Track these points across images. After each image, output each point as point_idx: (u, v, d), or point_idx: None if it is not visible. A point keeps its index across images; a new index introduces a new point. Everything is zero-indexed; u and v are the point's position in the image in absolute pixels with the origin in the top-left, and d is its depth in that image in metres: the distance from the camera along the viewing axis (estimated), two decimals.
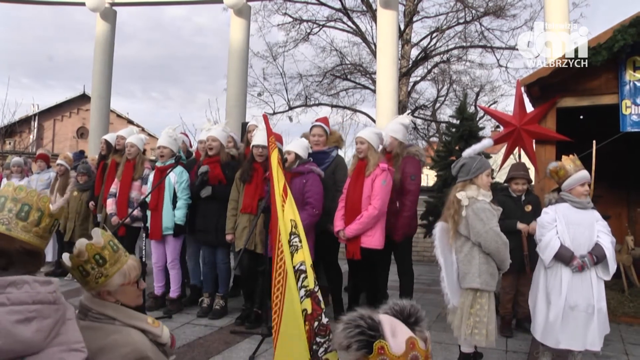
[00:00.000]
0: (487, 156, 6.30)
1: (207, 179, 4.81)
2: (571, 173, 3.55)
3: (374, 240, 4.11)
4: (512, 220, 4.25)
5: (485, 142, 3.68)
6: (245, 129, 7.94)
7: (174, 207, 4.92)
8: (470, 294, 3.34)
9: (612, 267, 3.42)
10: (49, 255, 7.25)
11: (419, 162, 4.65)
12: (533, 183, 4.87)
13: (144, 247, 4.66)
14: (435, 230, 3.56)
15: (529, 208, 4.37)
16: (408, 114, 4.96)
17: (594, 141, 4.26)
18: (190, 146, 6.35)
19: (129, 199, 5.34)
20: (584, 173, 3.54)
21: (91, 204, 6.13)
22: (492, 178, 3.73)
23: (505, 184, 4.73)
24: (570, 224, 3.46)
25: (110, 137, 6.23)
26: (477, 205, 3.31)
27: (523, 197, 4.46)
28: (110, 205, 5.46)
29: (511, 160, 6.28)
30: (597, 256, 3.38)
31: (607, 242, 3.42)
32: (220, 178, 4.81)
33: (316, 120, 4.99)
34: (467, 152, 3.54)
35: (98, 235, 1.90)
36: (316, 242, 4.40)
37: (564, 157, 3.69)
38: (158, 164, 5.06)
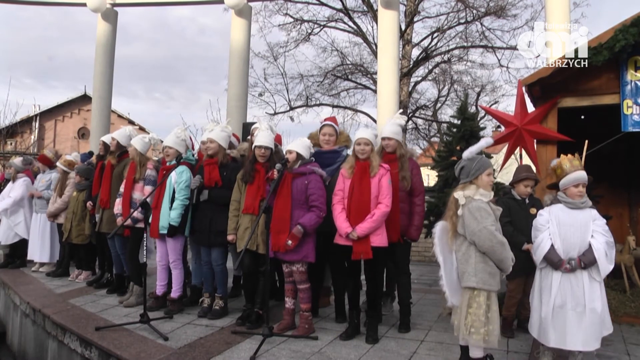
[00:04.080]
0: (488, 156, 6.29)
1: (202, 186, 4.83)
2: (567, 173, 3.55)
3: (383, 238, 4.12)
4: (521, 238, 4.23)
5: (483, 142, 3.65)
6: (246, 129, 7.97)
7: (172, 206, 4.92)
8: (468, 293, 3.35)
9: (604, 268, 3.37)
10: (46, 256, 7.28)
11: (417, 162, 4.73)
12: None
13: (145, 247, 4.67)
14: (435, 230, 3.58)
15: (533, 211, 4.32)
16: (401, 113, 4.95)
17: (586, 141, 4.25)
18: (193, 148, 6.34)
19: (131, 200, 5.35)
20: (578, 174, 3.53)
21: (89, 204, 6.14)
22: (494, 178, 3.71)
23: (508, 186, 4.68)
24: (562, 225, 3.47)
25: (108, 138, 6.25)
26: (473, 204, 3.34)
27: (527, 200, 4.44)
28: (117, 206, 5.48)
29: (512, 161, 6.27)
30: (585, 263, 3.38)
31: (600, 243, 3.38)
32: (216, 180, 4.81)
33: (325, 120, 4.99)
34: (466, 154, 3.54)
35: None
36: (320, 244, 4.40)
37: (562, 156, 3.68)
38: (167, 164, 5.09)
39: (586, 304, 3.35)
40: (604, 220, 3.52)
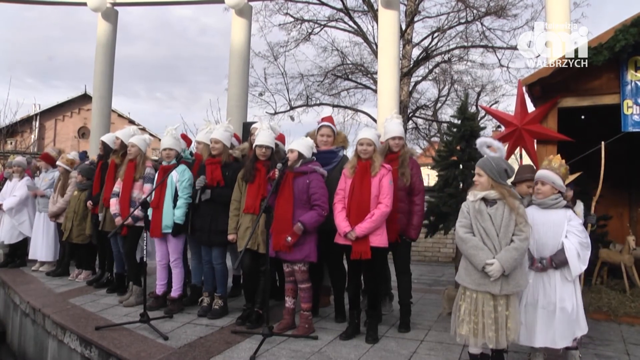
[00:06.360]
0: None
1: (205, 185, 4.82)
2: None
3: (383, 239, 4.11)
4: None
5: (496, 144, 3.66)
6: (246, 128, 7.96)
7: (175, 206, 4.93)
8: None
9: (575, 268, 3.38)
10: (51, 255, 7.29)
11: (417, 161, 4.73)
12: None
13: (145, 247, 4.67)
14: None
15: None
16: (395, 112, 4.97)
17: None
18: (188, 146, 6.33)
19: (131, 199, 5.35)
20: (538, 173, 3.64)
21: (89, 203, 6.14)
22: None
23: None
24: (534, 224, 3.46)
25: (107, 138, 6.26)
26: None
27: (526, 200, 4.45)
28: (114, 205, 5.47)
29: (512, 161, 6.26)
30: (556, 263, 3.41)
31: (572, 244, 3.39)
32: (218, 179, 4.81)
33: (323, 120, 4.99)
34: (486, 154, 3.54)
35: None
36: (320, 242, 4.40)
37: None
38: (164, 164, 5.10)
39: (557, 303, 3.39)
40: (580, 221, 3.54)
